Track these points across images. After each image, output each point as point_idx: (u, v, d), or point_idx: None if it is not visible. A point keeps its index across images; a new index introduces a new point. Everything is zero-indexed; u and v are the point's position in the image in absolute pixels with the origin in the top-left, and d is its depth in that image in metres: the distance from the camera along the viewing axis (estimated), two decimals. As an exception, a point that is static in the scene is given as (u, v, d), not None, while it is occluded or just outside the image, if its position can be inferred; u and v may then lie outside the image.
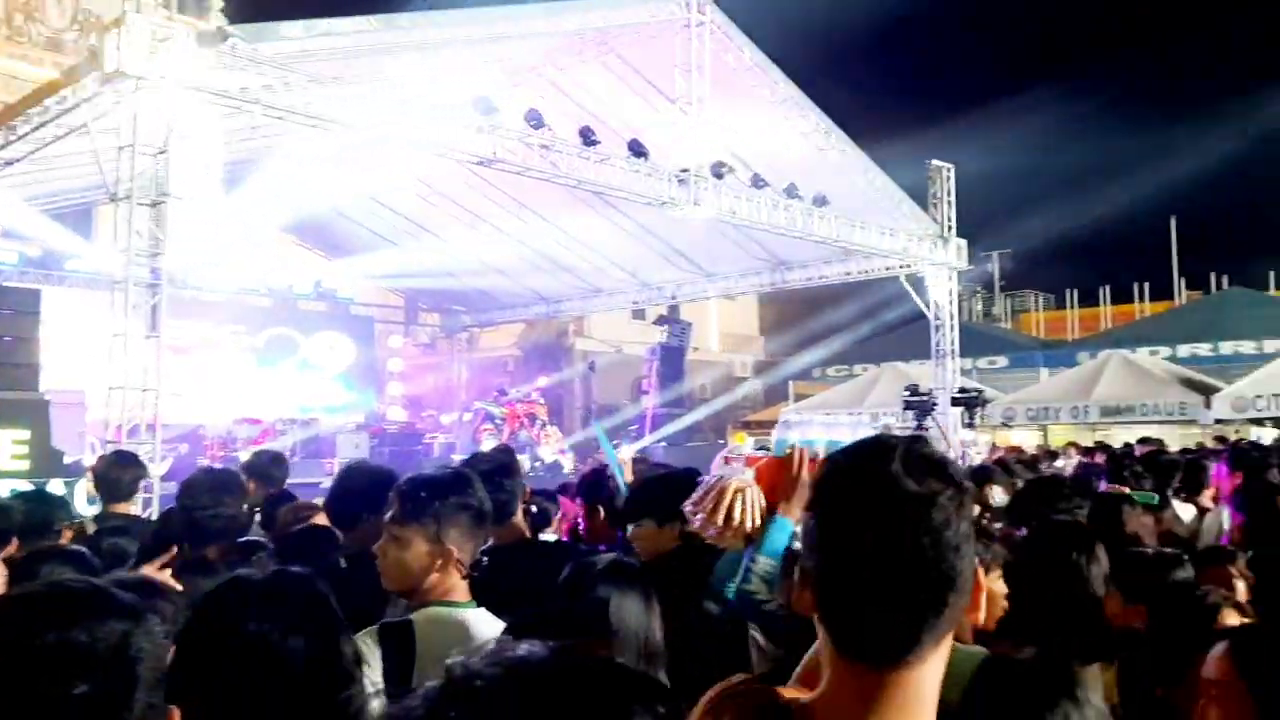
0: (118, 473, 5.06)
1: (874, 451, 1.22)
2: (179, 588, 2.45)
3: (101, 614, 1.34)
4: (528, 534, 3.87)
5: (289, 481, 5.56)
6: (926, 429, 14.12)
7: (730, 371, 34.66)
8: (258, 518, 4.60)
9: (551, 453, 17.40)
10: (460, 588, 2.57)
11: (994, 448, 17.11)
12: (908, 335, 21.63)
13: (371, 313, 24.13)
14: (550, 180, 12.88)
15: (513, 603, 2.57)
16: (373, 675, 2.36)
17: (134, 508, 5.35)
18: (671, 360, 21.69)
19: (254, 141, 14.07)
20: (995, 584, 3.03)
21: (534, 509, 4.82)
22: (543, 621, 2.32)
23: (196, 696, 1.51)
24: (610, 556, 2.56)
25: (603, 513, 4.11)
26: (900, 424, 16.74)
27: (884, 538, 1.14)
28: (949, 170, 17.99)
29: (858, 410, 21.53)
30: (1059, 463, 10.94)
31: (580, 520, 4.49)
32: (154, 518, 5.91)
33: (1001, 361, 27.54)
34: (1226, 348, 24.72)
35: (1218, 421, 17.46)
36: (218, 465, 11.03)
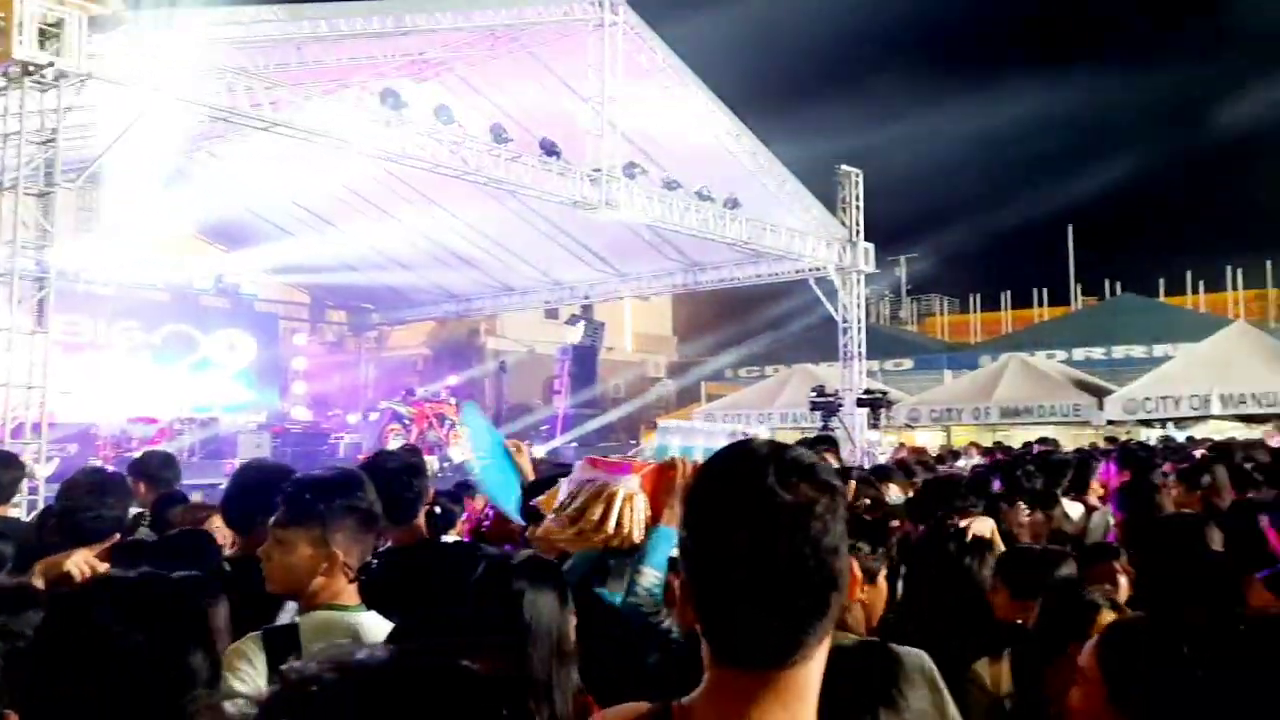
0: (-4, 473, 4.82)
1: (746, 460, 1.22)
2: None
3: None
4: (426, 535, 3.81)
5: (186, 483, 5.38)
6: (833, 429, 14.35)
7: (644, 372, 34.76)
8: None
9: (461, 453, 17.19)
10: (348, 591, 2.52)
11: (900, 447, 17.50)
12: (819, 337, 21.98)
13: (276, 310, 23.55)
14: (460, 178, 12.73)
15: (412, 605, 2.56)
16: (257, 680, 2.30)
17: (15, 510, 5.11)
18: (584, 361, 21.65)
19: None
20: (881, 585, 3.08)
21: (438, 510, 4.75)
22: (454, 619, 2.33)
23: (36, 698, 1.47)
24: (527, 553, 2.54)
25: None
26: (808, 424, 17.03)
27: (764, 547, 1.15)
28: (857, 175, 18.34)
29: (768, 411, 21.82)
30: (961, 462, 11.22)
31: (486, 520, 4.44)
32: (41, 521, 5.66)
33: (907, 364, 28.21)
34: (1119, 352, 25.76)
35: (1110, 423, 18.12)
36: (109, 466, 10.62)
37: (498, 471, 3.43)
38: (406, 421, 17.08)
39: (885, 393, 17.91)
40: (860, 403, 16.94)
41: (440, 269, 20.85)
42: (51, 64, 9.07)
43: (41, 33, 9.00)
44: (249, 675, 2.29)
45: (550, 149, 13.12)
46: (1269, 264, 36.15)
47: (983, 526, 3.75)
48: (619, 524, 2.72)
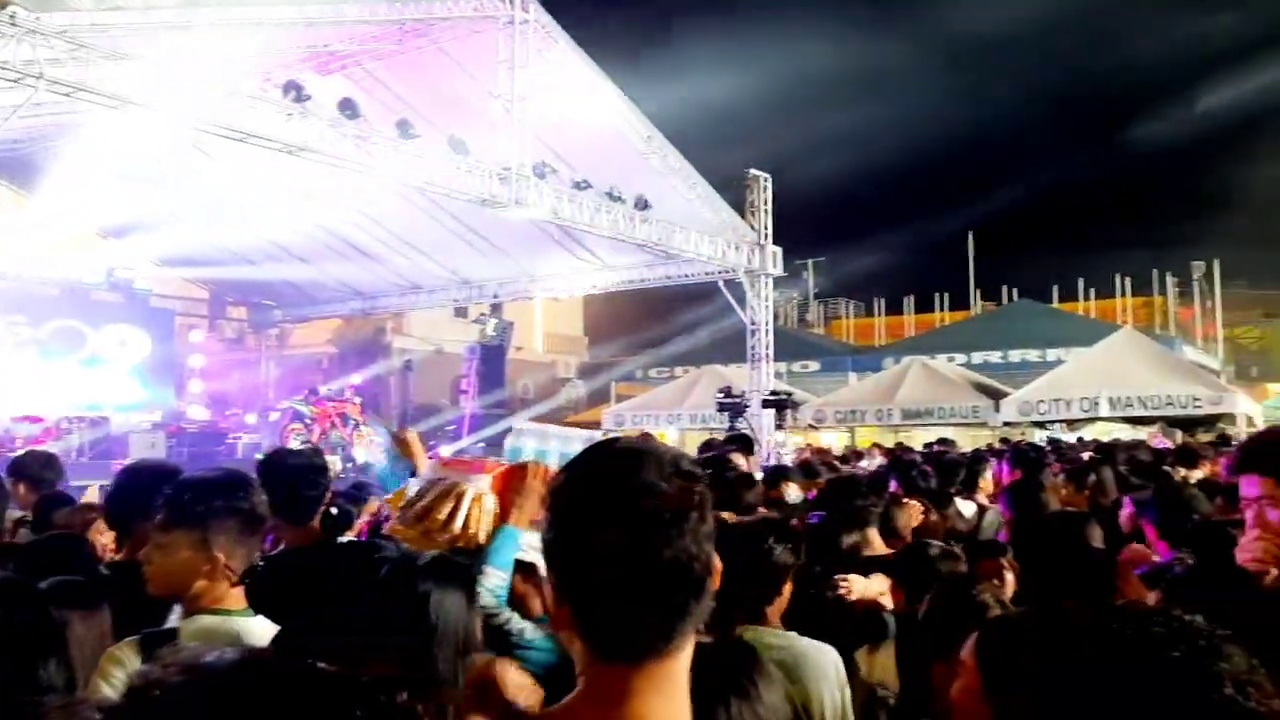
0: None
1: (618, 459, 1.24)
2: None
3: None
4: (322, 536, 3.75)
5: (73, 484, 5.16)
6: (739, 430, 14.51)
7: (554, 373, 34.66)
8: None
9: (365, 453, 16.88)
10: (233, 595, 2.48)
11: (805, 448, 17.80)
12: (728, 339, 22.20)
13: (172, 305, 22.78)
14: (365, 174, 12.50)
15: (307, 608, 2.51)
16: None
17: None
18: (492, 360, 21.44)
19: (40, 119, 13.05)
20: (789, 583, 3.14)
21: (334, 510, 4.66)
22: (349, 621, 2.27)
23: None
24: (433, 553, 2.52)
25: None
26: (716, 425, 17.18)
27: (642, 545, 1.19)
28: (766, 180, 18.57)
29: (677, 411, 21.96)
30: (864, 463, 11.45)
31: (386, 520, 4.38)
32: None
33: (814, 366, 28.73)
34: (1015, 355, 26.63)
35: (1005, 424, 18.72)
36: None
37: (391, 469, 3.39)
38: (308, 421, 16.71)
39: (791, 394, 18.18)
40: (766, 404, 17.17)
41: (345, 265, 20.45)
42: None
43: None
44: (120, 681, 2.22)
45: (459, 146, 12.97)
46: (1155, 273, 37.90)
47: (871, 587, 3.51)
48: (465, 524, 2.70)
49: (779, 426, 17.19)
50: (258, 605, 2.68)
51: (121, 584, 2.81)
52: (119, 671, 2.25)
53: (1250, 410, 18.10)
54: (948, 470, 6.69)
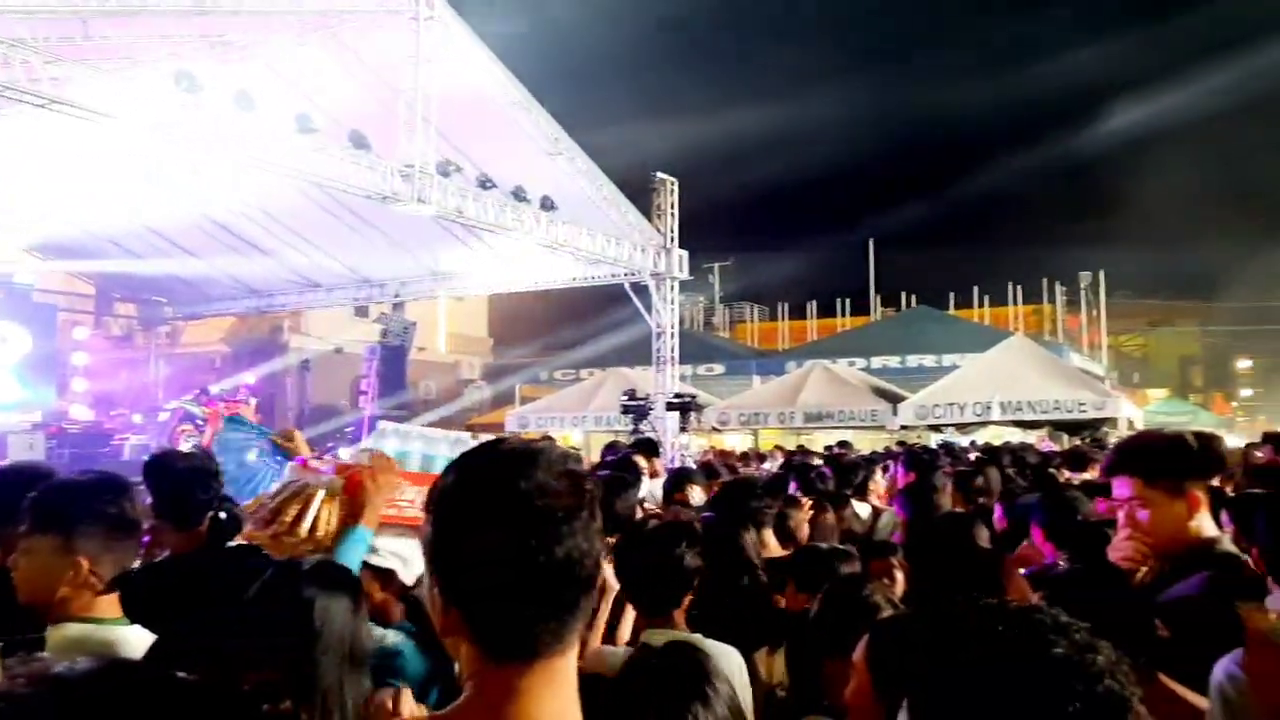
0: None
1: (508, 461, 1.26)
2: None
3: None
4: (208, 541, 3.62)
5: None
6: (643, 432, 14.55)
7: (458, 374, 34.29)
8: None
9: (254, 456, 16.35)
10: (103, 603, 2.39)
11: (709, 450, 17.97)
12: (635, 342, 22.26)
13: (55, 301, 21.77)
14: (261, 168, 12.14)
15: (188, 614, 2.43)
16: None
17: None
18: (393, 361, 21.02)
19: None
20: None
21: (224, 515, 4.51)
22: (229, 629, 2.20)
23: None
24: (318, 558, 2.46)
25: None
26: (621, 427, 17.20)
27: (534, 546, 1.21)
28: (673, 183, 18.66)
29: (582, 414, 21.93)
30: (767, 465, 11.62)
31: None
32: None
33: (719, 369, 29.03)
34: (913, 360, 27.33)
35: (903, 427, 19.19)
36: None
37: (272, 475, 3.27)
38: (200, 422, 16.11)
39: (695, 396, 18.31)
40: (670, 406, 17.26)
41: (238, 260, 19.77)
42: None
43: None
44: None
45: (360, 142, 12.71)
46: (1045, 282, 39.37)
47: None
48: (314, 527, 2.64)
49: (683, 429, 17.30)
50: (133, 613, 2.58)
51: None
52: (-25, 684, 2.13)
53: (1132, 415, 18.94)
54: (846, 472, 6.82)
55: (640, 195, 18.25)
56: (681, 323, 21.73)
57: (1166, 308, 56.81)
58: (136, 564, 3.27)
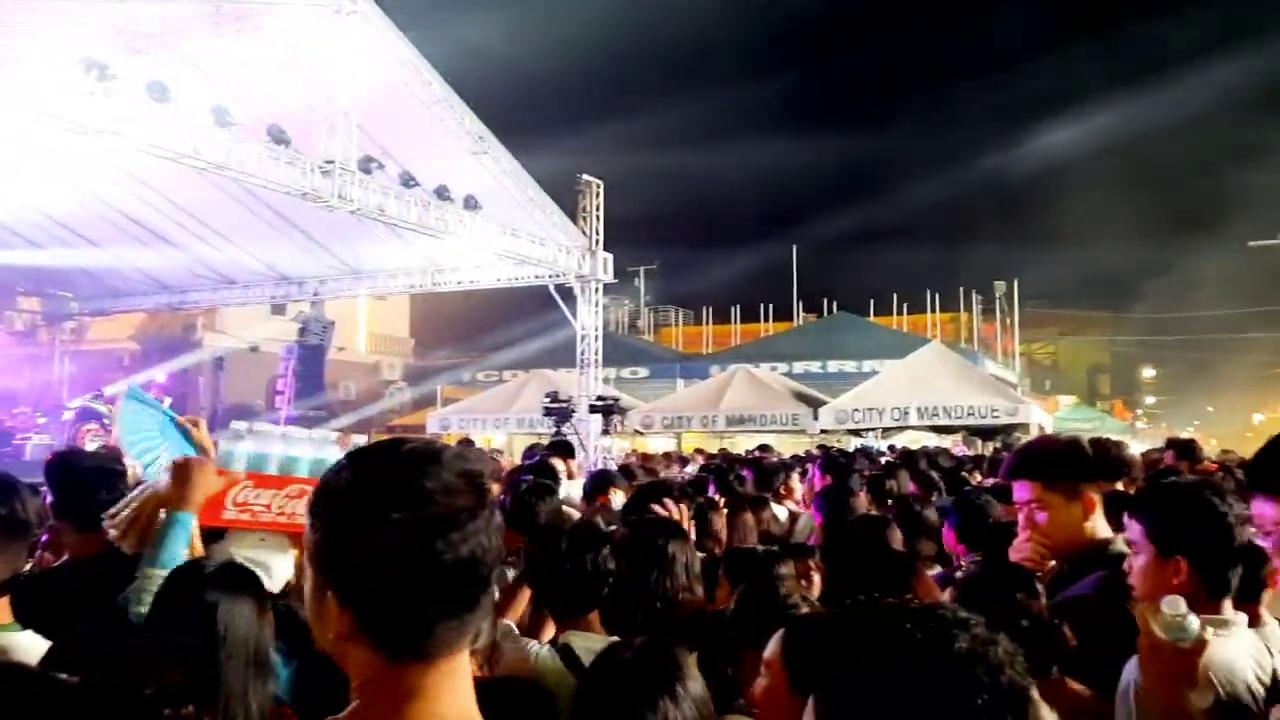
0: None
1: (408, 461, 1.26)
2: None
3: None
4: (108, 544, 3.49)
5: None
6: (566, 435, 14.50)
7: (378, 375, 33.79)
8: None
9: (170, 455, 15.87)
10: None
11: (631, 453, 18.00)
12: (560, 344, 22.19)
13: (-47, 294, 20.92)
14: (176, 161, 11.78)
15: (86, 618, 2.38)
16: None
17: None
18: (311, 360, 20.57)
19: None
20: None
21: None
22: (129, 633, 2.23)
23: None
24: (222, 560, 2.40)
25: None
26: (544, 430, 17.11)
27: (437, 545, 1.21)
28: (598, 186, 18.64)
29: (504, 416, 21.78)
30: (689, 468, 11.66)
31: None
32: None
33: (643, 372, 29.09)
34: (834, 365, 27.75)
35: (823, 431, 19.45)
36: None
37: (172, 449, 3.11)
38: (106, 421, 15.59)
39: (618, 399, 18.30)
40: (593, 409, 17.23)
41: (146, 254, 19.10)
42: None
43: None
44: None
45: (279, 137, 12.43)
46: (962, 290, 40.36)
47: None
48: (147, 524, 2.54)
49: (606, 432, 17.28)
50: (26, 619, 2.49)
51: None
52: None
53: (1043, 421, 19.48)
54: (767, 475, 6.89)
55: (565, 197, 18.21)
56: (606, 326, 21.73)
57: (1077, 318, 58.83)
58: (27, 567, 3.15)
